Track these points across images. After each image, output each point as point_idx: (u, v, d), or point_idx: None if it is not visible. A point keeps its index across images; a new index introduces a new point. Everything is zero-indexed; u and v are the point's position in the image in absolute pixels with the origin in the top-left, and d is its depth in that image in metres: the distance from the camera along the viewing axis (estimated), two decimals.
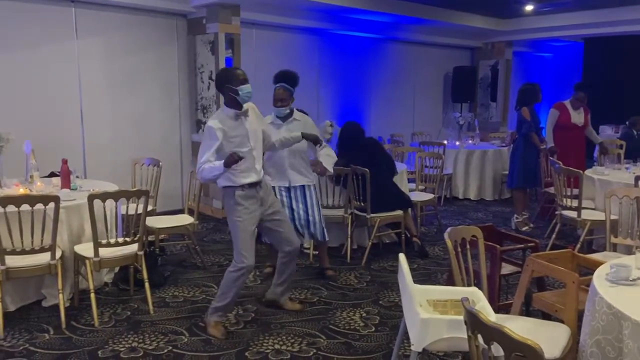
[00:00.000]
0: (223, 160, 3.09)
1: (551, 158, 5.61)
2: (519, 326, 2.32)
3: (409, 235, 4.96)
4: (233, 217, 3.28)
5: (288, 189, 4.02)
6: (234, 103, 3.24)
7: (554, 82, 11.39)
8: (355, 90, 8.51)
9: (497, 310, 2.85)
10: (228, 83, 3.21)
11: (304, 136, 3.76)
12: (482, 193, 7.52)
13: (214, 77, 4.09)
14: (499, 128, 9.80)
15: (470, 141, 8.05)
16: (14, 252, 3.25)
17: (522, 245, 3.35)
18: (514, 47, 10.04)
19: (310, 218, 4.04)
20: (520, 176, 5.83)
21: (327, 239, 4.20)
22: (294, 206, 4.02)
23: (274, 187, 3.94)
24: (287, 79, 3.90)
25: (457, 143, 7.88)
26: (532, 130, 5.67)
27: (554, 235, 5.01)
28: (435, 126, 9.69)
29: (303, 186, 4.04)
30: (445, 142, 7.58)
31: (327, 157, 4.05)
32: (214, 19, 6.06)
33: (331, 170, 4.06)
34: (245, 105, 3.28)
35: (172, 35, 6.33)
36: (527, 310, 3.10)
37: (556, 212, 5.13)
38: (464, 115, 8.72)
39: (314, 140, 3.83)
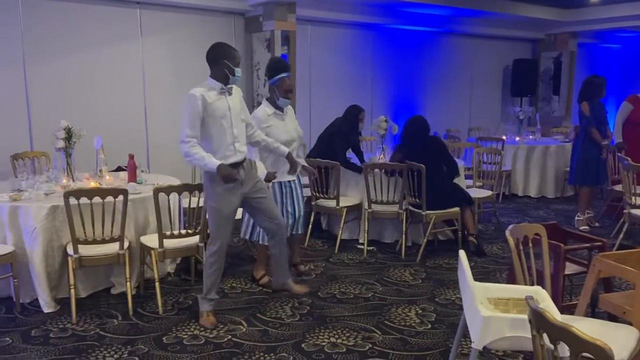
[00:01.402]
0: (219, 164, 3.06)
1: (619, 154, 5.35)
2: (585, 327, 2.23)
3: (465, 234, 4.87)
4: (208, 198, 3.31)
5: (289, 183, 3.97)
6: (223, 78, 3.24)
7: (621, 74, 10.82)
8: (410, 85, 8.41)
9: (561, 311, 2.75)
10: (227, 59, 3.22)
11: (288, 157, 3.67)
12: (544, 190, 7.26)
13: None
14: (562, 123, 9.41)
15: (530, 136, 7.80)
16: (85, 242, 3.44)
17: (588, 245, 3.22)
18: (578, 39, 9.60)
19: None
20: (577, 172, 5.59)
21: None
22: (295, 198, 4.00)
23: (280, 183, 3.89)
24: (289, 68, 3.89)
25: (517, 138, 7.64)
26: (592, 126, 5.39)
27: (621, 235, 4.79)
28: (493, 121, 9.44)
29: (298, 176, 4.06)
30: (504, 137, 7.37)
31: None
32: (270, 17, 6.16)
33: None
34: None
35: (230, 34, 6.49)
36: (593, 312, 2.98)
37: (624, 211, 4.90)
38: (525, 110, 8.43)
39: (292, 166, 3.72)
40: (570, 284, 3.62)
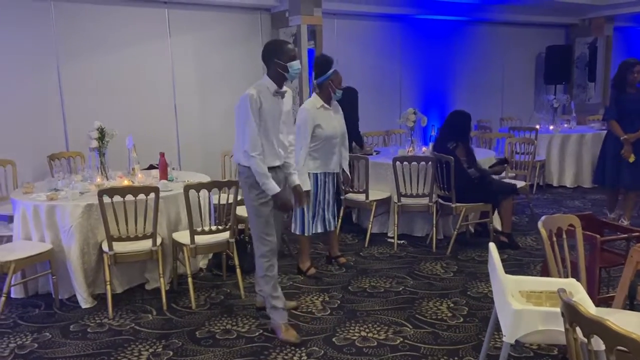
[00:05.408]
0: (278, 192, 3.01)
1: None
2: (622, 320, 2.16)
3: (499, 230, 4.77)
4: (250, 200, 3.11)
5: (332, 175, 4.08)
6: (279, 78, 3.09)
7: None
8: (439, 75, 8.28)
9: (597, 303, 2.68)
10: (277, 57, 3.05)
11: (294, 188, 3.38)
12: (580, 180, 7.06)
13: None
14: (599, 110, 9.10)
15: (565, 125, 7.58)
16: (120, 239, 3.53)
17: (625, 235, 3.11)
18: (614, 22, 9.26)
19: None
20: (597, 170, 5.31)
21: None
22: (330, 192, 4.06)
23: (316, 175, 3.96)
24: None
25: (551, 127, 7.44)
26: (610, 118, 5.01)
27: None
28: (526, 110, 9.21)
29: (338, 172, 4.15)
30: (538, 126, 7.19)
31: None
32: (297, 12, 6.15)
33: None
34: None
35: (256, 30, 6.52)
36: (632, 304, 2.88)
37: None
38: (559, 98, 8.19)
39: (298, 196, 3.43)
40: (608, 276, 3.52)
